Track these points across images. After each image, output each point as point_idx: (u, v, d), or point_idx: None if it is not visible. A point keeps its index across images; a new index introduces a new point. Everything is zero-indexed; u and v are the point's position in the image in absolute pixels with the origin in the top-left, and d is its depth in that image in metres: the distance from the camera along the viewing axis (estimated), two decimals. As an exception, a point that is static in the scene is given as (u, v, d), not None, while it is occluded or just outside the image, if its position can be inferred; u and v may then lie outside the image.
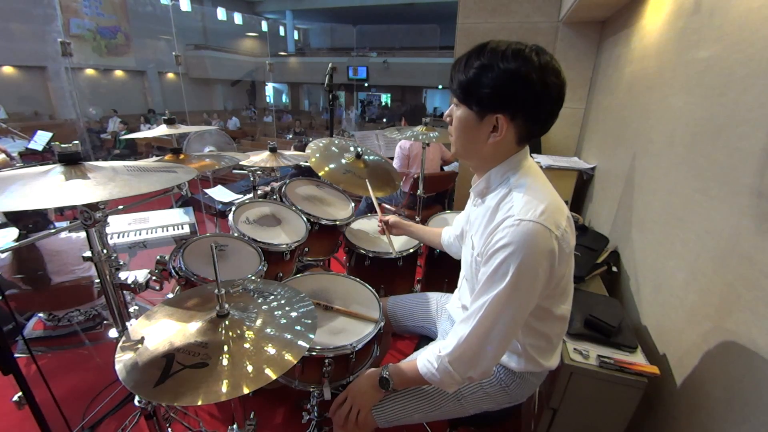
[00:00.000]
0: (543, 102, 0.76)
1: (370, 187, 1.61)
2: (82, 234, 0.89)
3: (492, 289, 0.77)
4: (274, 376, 0.74)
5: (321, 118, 13.37)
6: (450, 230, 1.32)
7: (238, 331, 0.83)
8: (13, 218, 2.02)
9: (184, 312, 0.92)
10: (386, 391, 0.97)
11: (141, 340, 0.83)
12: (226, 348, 0.79)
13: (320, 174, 1.73)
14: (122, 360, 0.78)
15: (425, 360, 0.89)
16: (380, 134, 3.99)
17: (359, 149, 1.87)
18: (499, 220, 0.78)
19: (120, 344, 0.82)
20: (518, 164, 0.84)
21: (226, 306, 0.87)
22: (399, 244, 1.70)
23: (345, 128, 9.05)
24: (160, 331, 0.85)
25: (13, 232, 1.95)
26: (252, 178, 1.95)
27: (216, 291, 0.84)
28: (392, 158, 3.00)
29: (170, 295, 1.82)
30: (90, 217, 0.83)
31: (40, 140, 4.04)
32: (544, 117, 0.79)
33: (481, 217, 0.88)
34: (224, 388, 0.71)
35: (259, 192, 1.95)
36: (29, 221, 2.01)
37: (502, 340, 0.80)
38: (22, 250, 1.84)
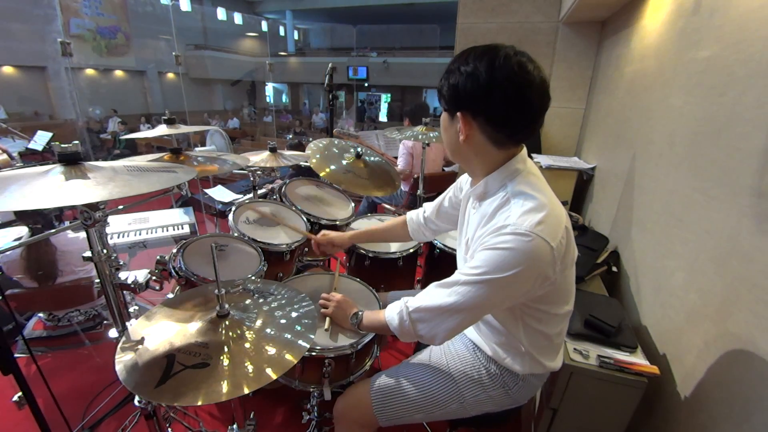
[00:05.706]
0: (494, 101, 0.75)
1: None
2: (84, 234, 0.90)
3: (472, 280, 0.78)
4: (274, 376, 0.74)
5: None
6: (415, 214, 1.29)
7: (239, 331, 0.83)
8: (20, 217, 2.04)
9: (184, 312, 0.92)
10: (354, 324, 1.07)
11: (141, 341, 0.83)
12: (226, 348, 0.79)
13: (320, 174, 1.73)
14: (122, 361, 0.78)
15: (391, 306, 0.95)
16: (380, 134, 4.01)
17: (359, 149, 1.87)
18: (496, 227, 0.77)
19: (120, 345, 0.82)
20: (515, 171, 0.83)
21: (227, 306, 0.87)
22: (397, 244, 1.69)
23: (341, 128, 9.05)
24: (160, 331, 0.85)
25: (17, 231, 1.96)
26: (252, 178, 1.95)
27: (216, 291, 0.84)
28: (395, 157, 2.99)
29: (170, 295, 1.81)
30: (90, 217, 0.83)
31: (40, 140, 4.04)
32: (503, 118, 0.77)
33: (476, 223, 0.88)
34: (225, 388, 0.71)
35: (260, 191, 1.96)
36: (29, 221, 2.02)
37: (459, 325, 0.83)
38: (33, 246, 1.87)
